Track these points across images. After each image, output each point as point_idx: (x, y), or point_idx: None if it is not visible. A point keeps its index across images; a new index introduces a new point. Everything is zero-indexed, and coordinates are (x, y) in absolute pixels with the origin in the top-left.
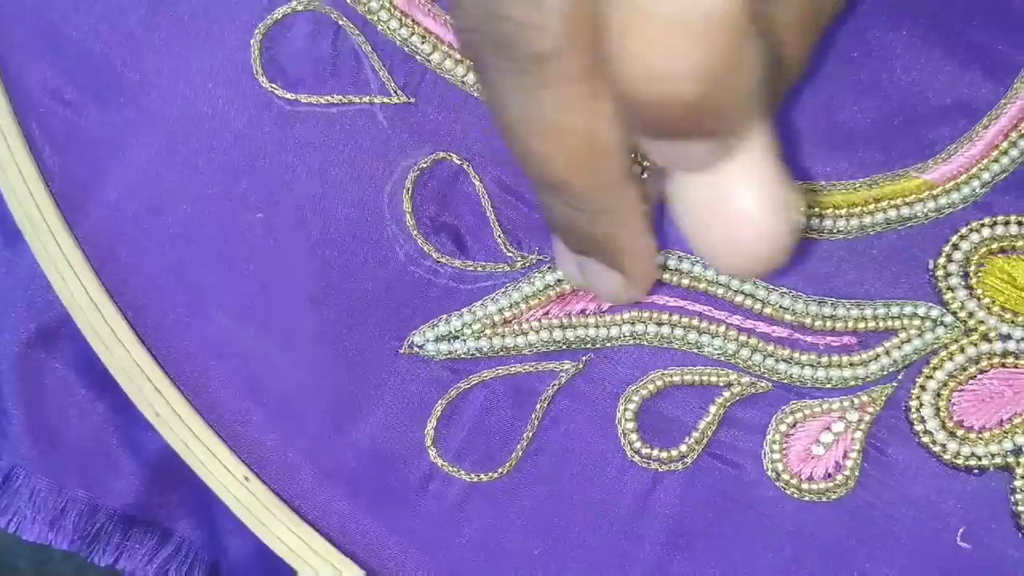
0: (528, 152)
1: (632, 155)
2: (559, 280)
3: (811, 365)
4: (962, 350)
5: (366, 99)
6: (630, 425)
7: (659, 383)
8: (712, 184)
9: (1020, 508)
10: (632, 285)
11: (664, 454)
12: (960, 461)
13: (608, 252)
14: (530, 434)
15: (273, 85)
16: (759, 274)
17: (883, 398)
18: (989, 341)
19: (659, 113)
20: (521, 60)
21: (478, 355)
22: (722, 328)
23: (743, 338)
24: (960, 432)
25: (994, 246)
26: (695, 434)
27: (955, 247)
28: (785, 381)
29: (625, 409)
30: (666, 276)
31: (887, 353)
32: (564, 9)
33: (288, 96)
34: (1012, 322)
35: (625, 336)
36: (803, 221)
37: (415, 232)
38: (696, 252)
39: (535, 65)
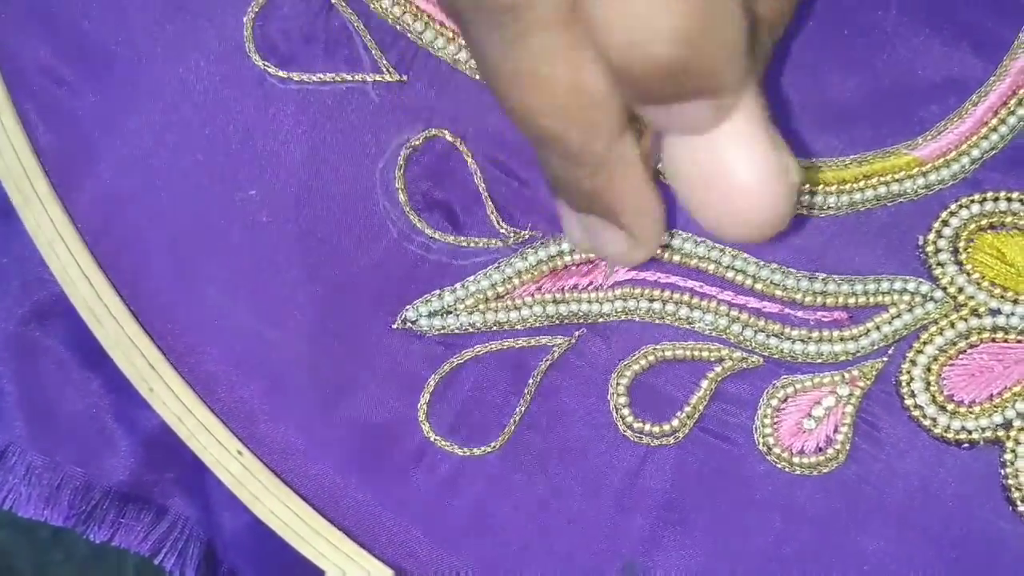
0: (518, 106)
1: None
2: (552, 256)
3: (802, 340)
4: (952, 325)
5: (358, 77)
6: (622, 400)
7: (651, 358)
8: (704, 148)
9: (1010, 481)
10: (637, 245)
11: (656, 429)
12: (951, 435)
13: (609, 209)
14: (523, 409)
15: (266, 63)
16: (756, 240)
17: (874, 373)
18: (979, 316)
19: (641, 77)
20: (495, 10)
21: (471, 330)
22: (713, 304)
23: (734, 313)
24: (950, 406)
25: (984, 222)
26: (687, 409)
27: (945, 223)
28: (776, 356)
29: (617, 384)
30: (657, 253)
31: (877, 328)
32: None
33: (280, 74)
34: (1002, 297)
35: (617, 311)
36: (799, 185)
37: (408, 209)
38: (694, 217)
39: (510, 15)
